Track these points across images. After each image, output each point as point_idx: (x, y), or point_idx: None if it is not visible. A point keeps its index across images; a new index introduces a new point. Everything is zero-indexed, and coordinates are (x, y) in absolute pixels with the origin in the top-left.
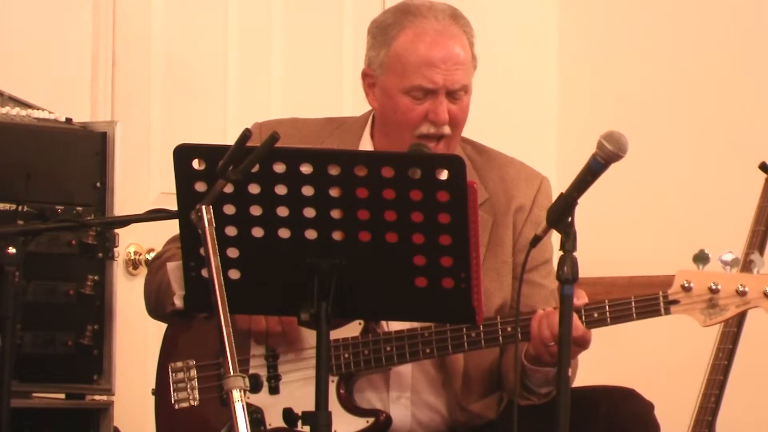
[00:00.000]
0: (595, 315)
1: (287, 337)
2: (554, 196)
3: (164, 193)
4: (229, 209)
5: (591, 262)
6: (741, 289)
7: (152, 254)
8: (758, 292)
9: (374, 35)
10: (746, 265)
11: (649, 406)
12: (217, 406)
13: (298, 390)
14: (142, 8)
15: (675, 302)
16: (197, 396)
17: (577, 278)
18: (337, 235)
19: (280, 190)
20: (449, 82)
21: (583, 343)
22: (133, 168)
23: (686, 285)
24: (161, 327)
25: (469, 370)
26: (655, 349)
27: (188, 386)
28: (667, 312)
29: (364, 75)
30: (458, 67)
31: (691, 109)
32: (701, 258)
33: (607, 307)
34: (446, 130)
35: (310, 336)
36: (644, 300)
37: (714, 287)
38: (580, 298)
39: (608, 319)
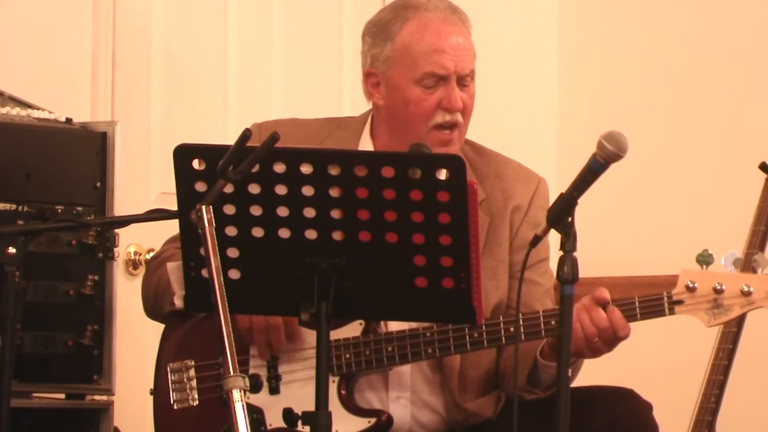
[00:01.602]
0: None
1: (287, 332)
2: (554, 197)
3: (164, 193)
4: (229, 209)
5: (591, 262)
6: (746, 289)
7: (152, 254)
8: (763, 293)
9: (374, 34)
10: (750, 266)
11: (647, 407)
12: (216, 406)
13: (298, 390)
14: (142, 8)
15: (679, 302)
16: (196, 396)
17: (577, 278)
18: (337, 235)
19: (280, 190)
20: (460, 67)
21: (624, 336)
22: (133, 168)
23: (690, 285)
24: (161, 327)
25: (465, 369)
26: (654, 349)
27: (187, 386)
28: (672, 312)
29: (367, 75)
30: (465, 52)
31: (691, 109)
32: (705, 258)
33: None
34: (459, 117)
35: (310, 336)
36: (648, 300)
37: (718, 287)
38: (604, 293)
39: None
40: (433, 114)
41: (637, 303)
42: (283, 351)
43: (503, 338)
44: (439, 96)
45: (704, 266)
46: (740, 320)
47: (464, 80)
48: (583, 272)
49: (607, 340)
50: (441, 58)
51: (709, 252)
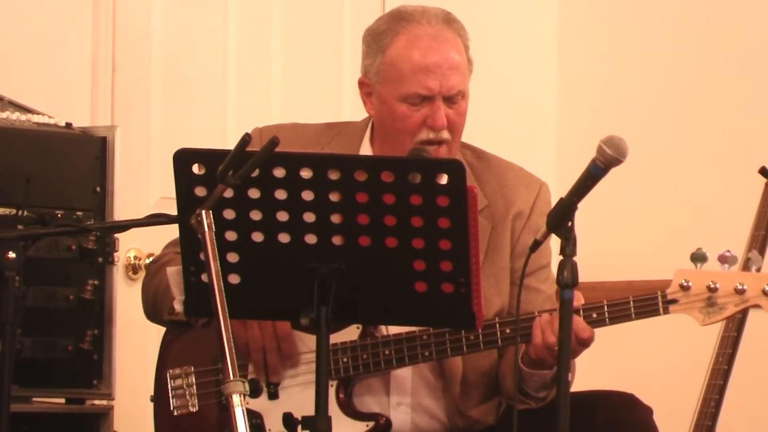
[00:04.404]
0: (594, 315)
1: (283, 352)
2: (554, 202)
3: (164, 197)
4: (229, 214)
5: (591, 267)
6: (740, 287)
7: (152, 259)
8: (757, 291)
9: (368, 43)
10: (744, 264)
11: (648, 411)
12: (216, 412)
13: (297, 394)
14: (141, 13)
15: (673, 301)
16: (196, 402)
17: (577, 283)
18: (337, 240)
19: (280, 194)
20: (445, 88)
21: (589, 343)
22: (133, 173)
23: (684, 284)
24: (161, 331)
25: (467, 375)
26: (654, 354)
27: (187, 393)
28: (666, 311)
29: (361, 84)
30: (453, 71)
31: (691, 114)
32: (699, 257)
33: (605, 307)
34: (445, 135)
35: (309, 340)
36: (643, 300)
37: (712, 286)
38: (577, 300)
39: (607, 319)
40: (418, 131)
41: (631, 303)
42: (278, 375)
43: (499, 340)
44: (424, 113)
45: (698, 264)
46: (740, 324)
47: (452, 99)
48: (583, 277)
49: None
50: (426, 78)
51: (703, 250)
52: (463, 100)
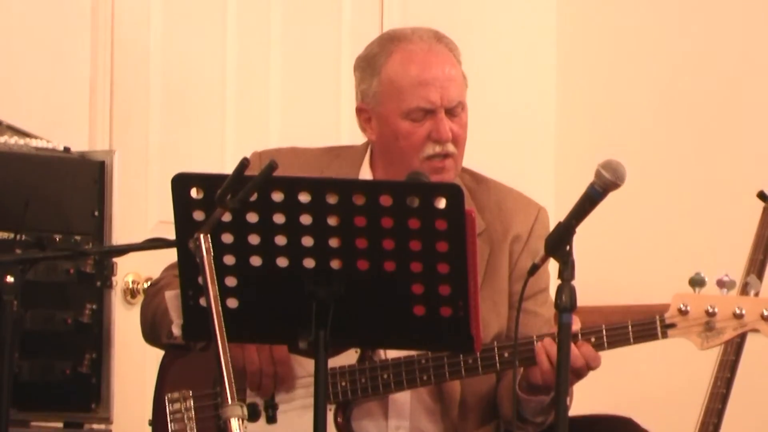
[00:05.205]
0: (592, 340)
1: (279, 376)
2: (552, 226)
3: (162, 221)
4: (228, 238)
5: (589, 291)
6: (738, 311)
7: (150, 282)
8: (755, 315)
9: (362, 68)
10: (743, 288)
11: None
12: None
13: (295, 418)
14: (139, 36)
15: (672, 326)
16: (194, 426)
17: (575, 307)
18: (335, 264)
19: (278, 218)
20: (446, 100)
21: (595, 367)
22: (131, 197)
23: (683, 308)
24: (159, 355)
25: (466, 398)
26: (652, 378)
27: (185, 416)
28: (664, 336)
29: (359, 111)
30: (451, 83)
31: (690, 137)
32: (697, 281)
33: (604, 331)
34: (451, 148)
35: (308, 364)
36: (641, 324)
37: (711, 310)
38: (574, 324)
39: (605, 343)
40: (423, 146)
41: (630, 327)
42: (271, 394)
43: (498, 364)
44: (428, 128)
45: (697, 288)
46: (738, 348)
47: (453, 111)
48: (582, 300)
49: (579, 374)
50: (426, 91)
51: (702, 275)
52: (463, 112)
